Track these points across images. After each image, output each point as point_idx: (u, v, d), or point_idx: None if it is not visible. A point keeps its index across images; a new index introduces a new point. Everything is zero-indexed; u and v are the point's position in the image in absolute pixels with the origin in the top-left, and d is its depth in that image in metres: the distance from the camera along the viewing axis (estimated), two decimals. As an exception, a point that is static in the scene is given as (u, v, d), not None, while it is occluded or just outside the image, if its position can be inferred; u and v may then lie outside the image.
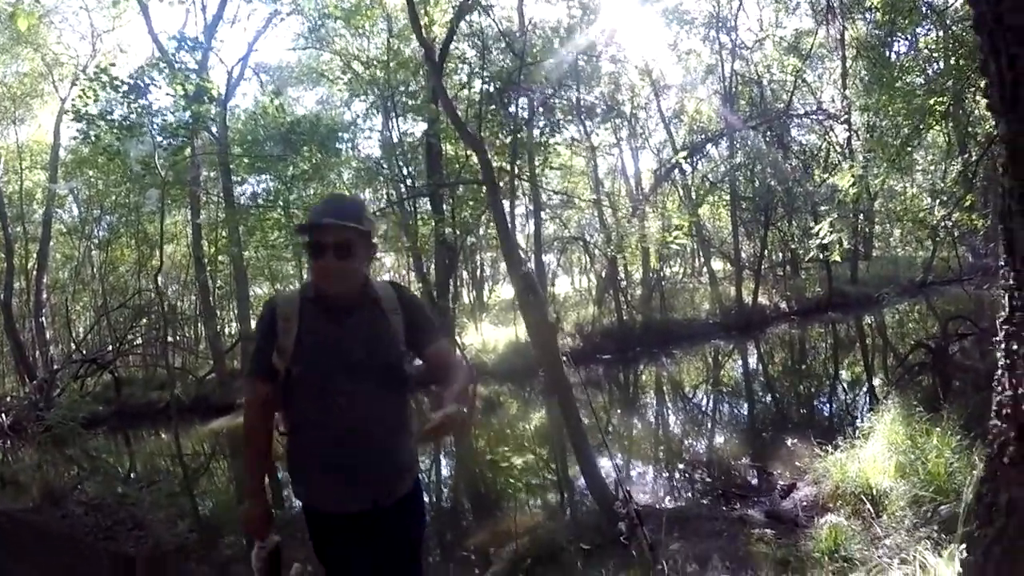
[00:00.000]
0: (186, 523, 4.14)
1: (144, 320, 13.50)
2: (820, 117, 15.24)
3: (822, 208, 11.86)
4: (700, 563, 3.44)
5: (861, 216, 11.68)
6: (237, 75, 13.79)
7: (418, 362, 1.96)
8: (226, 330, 17.90)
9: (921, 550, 2.52)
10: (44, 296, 15.60)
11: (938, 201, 8.08)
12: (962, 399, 4.31)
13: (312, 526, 1.86)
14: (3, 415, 9.68)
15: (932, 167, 11.82)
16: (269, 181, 11.98)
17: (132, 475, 5.25)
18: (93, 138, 7.37)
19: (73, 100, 7.94)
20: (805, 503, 4.12)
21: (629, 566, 3.22)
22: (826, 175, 11.88)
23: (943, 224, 7.66)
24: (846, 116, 13.91)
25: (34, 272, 15.31)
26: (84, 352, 13.69)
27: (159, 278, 10.66)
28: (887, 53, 11.83)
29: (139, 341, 14.19)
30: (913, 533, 3.00)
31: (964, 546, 1.59)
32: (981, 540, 1.43)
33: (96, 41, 15.54)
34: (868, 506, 3.37)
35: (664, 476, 6.13)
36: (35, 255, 15.55)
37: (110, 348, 13.40)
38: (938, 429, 3.69)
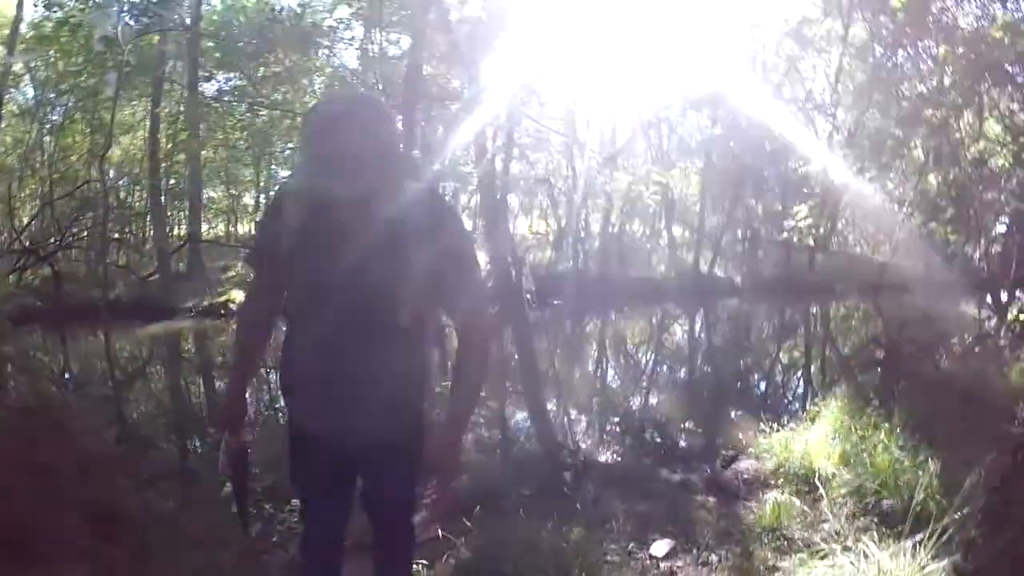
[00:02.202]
0: (114, 432, 3.93)
1: (91, 213, 12.77)
2: (808, 106, 15.18)
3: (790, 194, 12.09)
4: (642, 523, 3.44)
5: (829, 208, 11.92)
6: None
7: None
8: (175, 230, 17.22)
9: (866, 540, 2.54)
10: (-12, 181, 14.49)
11: (912, 210, 8.26)
12: (909, 401, 4.38)
13: (291, 445, 1.72)
14: (-68, 304, 8.75)
15: (910, 176, 11.99)
16: (238, 80, 11.37)
17: (66, 376, 4.97)
18: (57, 9, 6.70)
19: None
20: (747, 476, 4.13)
21: (571, 518, 3.20)
22: (800, 163, 11.98)
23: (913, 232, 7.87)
24: (833, 110, 13.96)
25: (-20, 155, 14.20)
26: (25, 243, 12.85)
27: (108, 168, 9.96)
28: (889, 58, 11.76)
29: (84, 234, 13.41)
30: (852, 521, 3.05)
31: (961, 553, 1.54)
32: (986, 550, 1.37)
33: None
34: (811, 489, 3.41)
35: (607, 431, 6.14)
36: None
37: (52, 240, 12.65)
38: (886, 425, 3.75)
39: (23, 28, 13.79)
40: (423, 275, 1.44)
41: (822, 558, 2.59)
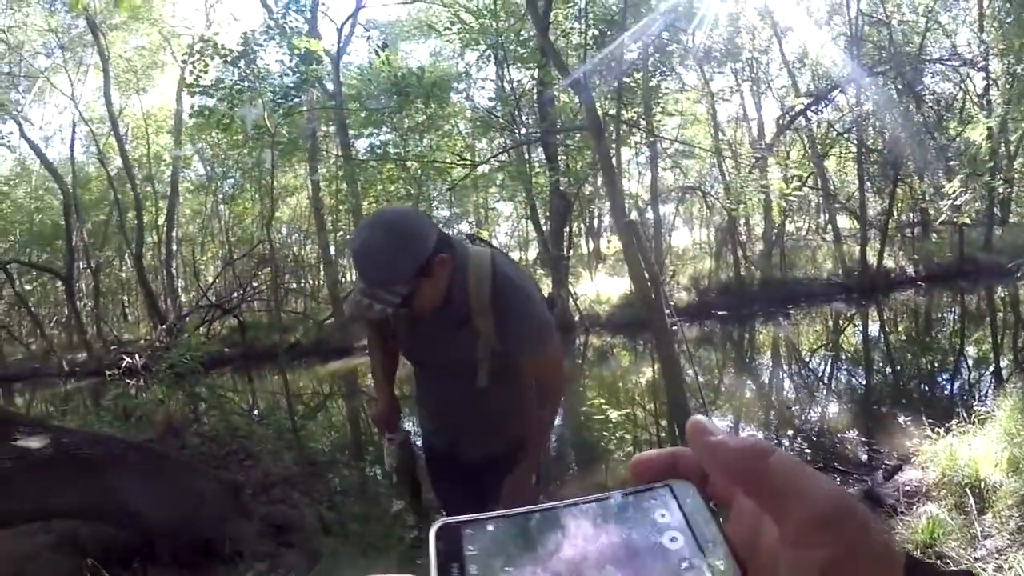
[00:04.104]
0: (291, 456, 4.51)
1: (267, 268, 14.49)
2: (955, 63, 13.54)
3: (955, 165, 10.64)
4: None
5: (998, 175, 10.29)
6: (347, 32, 14.06)
7: None
8: (346, 277, 18.98)
9: (1020, 559, 2.29)
10: (174, 248, 17.17)
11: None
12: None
13: (427, 463, 2.17)
14: (136, 356, 10.63)
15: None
16: (385, 134, 12.41)
17: (255, 411, 5.79)
18: (207, 111, 7.81)
19: (186, 71, 8.44)
20: (908, 488, 3.81)
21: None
22: (961, 128, 10.60)
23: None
24: (984, 62, 12.32)
25: (164, 227, 16.84)
26: (211, 299, 14.85)
27: (276, 228, 11.20)
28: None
29: (263, 288, 15.16)
30: (1016, 537, 2.72)
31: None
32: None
33: (209, 11, 16.82)
34: (972, 500, 3.08)
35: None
36: (165, 211, 17.03)
37: (235, 294, 14.50)
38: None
39: (184, 117, 16.09)
40: (498, 345, 1.74)
41: (970, 577, 2.35)
